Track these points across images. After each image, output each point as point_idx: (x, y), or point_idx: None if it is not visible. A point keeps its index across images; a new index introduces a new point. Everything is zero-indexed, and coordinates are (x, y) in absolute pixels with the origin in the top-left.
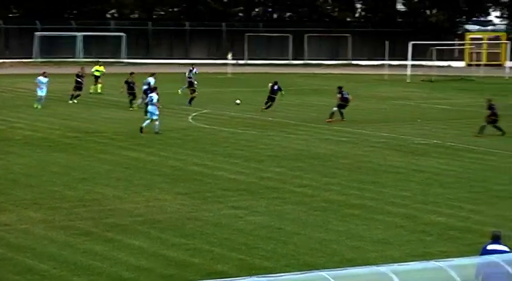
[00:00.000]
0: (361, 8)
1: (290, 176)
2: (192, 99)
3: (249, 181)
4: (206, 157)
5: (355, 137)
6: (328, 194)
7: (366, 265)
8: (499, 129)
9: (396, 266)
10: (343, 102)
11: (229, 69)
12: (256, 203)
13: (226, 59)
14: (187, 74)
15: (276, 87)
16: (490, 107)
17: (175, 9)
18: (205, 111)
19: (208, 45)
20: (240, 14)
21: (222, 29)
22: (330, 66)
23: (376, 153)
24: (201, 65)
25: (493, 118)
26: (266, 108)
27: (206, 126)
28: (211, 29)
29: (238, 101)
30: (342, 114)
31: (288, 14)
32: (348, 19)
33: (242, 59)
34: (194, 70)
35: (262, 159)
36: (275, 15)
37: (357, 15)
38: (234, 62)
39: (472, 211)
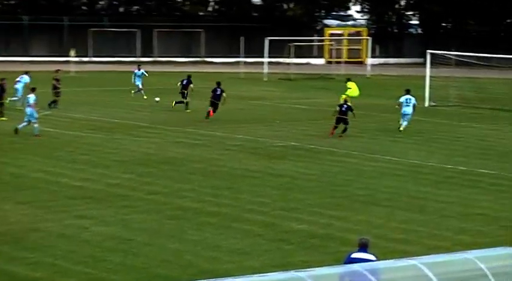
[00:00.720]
0: (214, 1)
1: (140, 182)
2: (54, 101)
3: (96, 188)
4: (49, 162)
5: (209, 140)
6: (181, 202)
7: (222, 276)
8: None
9: (255, 278)
10: (214, 100)
11: (72, 68)
12: (103, 212)
13: (68, 56)
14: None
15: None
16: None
17: (11, 2)
18: (47, 113)
19: (49, 42)
20: (84, 8)
21: (63, 23)
22: (181, 64)
23: (231, 156)
24: (41, 63)
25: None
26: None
27: (49, 129)
28: (52, 24)
29: (157, 99)
30: (213, 108)
31: (136, 7)
32: (200, 13)
33: (86, 56)
34: (141, 71)
35: (109, 164)
36: (121, 9)
37: (209, 9)
38: (77, 59)
39: (334, 217)
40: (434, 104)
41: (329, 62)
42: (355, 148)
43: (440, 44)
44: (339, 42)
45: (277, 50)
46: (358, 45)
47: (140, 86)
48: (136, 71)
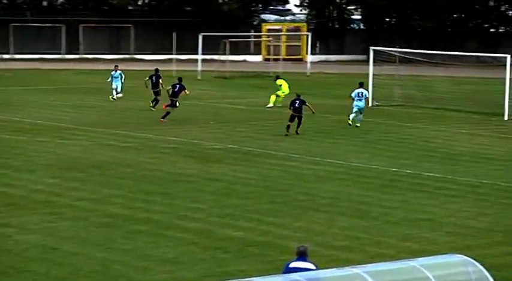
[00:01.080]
0: None
1: (66, 188)
2: None
3: (19, 194)
4: None
5: (140, 142)
6: (111, 208)
7: None
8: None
9: None
10: (171, 97)
11: None
12: (27, 220)
13: None
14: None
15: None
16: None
17: None
18: None
19: None
20: (4, 1)
21: None
22: (109, 61)
23: (164, 160)
24: None
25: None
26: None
27: None
28: None
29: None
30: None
31: (60, 1)
32: (130, 7)
33: (7, 54)
34: (118, 72)
35: (33, 169)
36: (45, 3)
37: (139, 3)
38: None
39: (273, 224)
40: (377, 103)
41: (267, 59)
42: (294, 151)
43: (383, 40)
44: (277, 38)
45: (211, 46)
46: (298, 42)
47: (118, 89)
48: (113, 72)
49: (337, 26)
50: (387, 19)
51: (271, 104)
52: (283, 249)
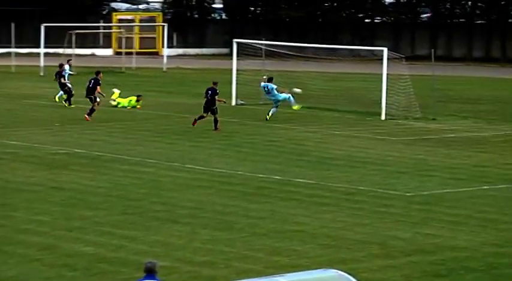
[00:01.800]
0: None
1: None
2: None
3: None
4: None
5: None
6: None
7: None
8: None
9: None
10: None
11: None
12: None
13: None
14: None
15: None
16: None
17: None
18: None
19: None
20: None
21: None
22: None
23: (2, 167)
24: None
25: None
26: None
27: None
28: None
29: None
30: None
31: None
32: None
33: None
34: (66, 67)
35: None
36: None
37: None
38: None
39: (127, 237)
40: (242, 102)
41: (118, 53)
42: (150, 155)
43: (248, 32)
44: (129, 29)
45: (55, 39)
46: (152, 33)
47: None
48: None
49: (196, 15)
50: (252, 8)
51: (114, 101)
52: (138, 266)
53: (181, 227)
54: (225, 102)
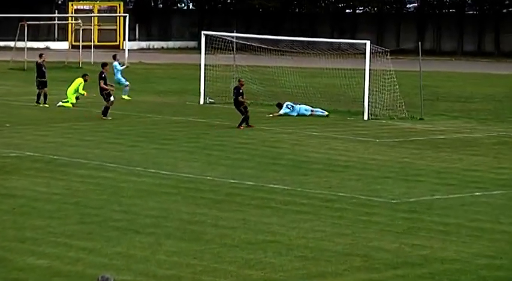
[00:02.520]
0: None
1: None
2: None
3: None
4: None
5: None
6: None
7: None
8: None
9: None
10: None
11: None
12: None
13: None
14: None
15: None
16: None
17: None
18: None
19: None
20: None
21: None
22: None
23: None
24: None
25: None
26: None
27: None
28: None
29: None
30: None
31: None
32: None
33: None
34: (115, 64)
35: None
36: None
37: None
38: None
39: (85, 249)
40: (211, 100)
41: (75, 47)
42: (110, 159)
43: (218, 23)
44: (87, 20)
45: (5, 31)
46: (113, 25)
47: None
48: (115, 63)
49: (160, 5)
50: None
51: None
52: (91, 279)
53: (144, 237)
54: (248, 104)
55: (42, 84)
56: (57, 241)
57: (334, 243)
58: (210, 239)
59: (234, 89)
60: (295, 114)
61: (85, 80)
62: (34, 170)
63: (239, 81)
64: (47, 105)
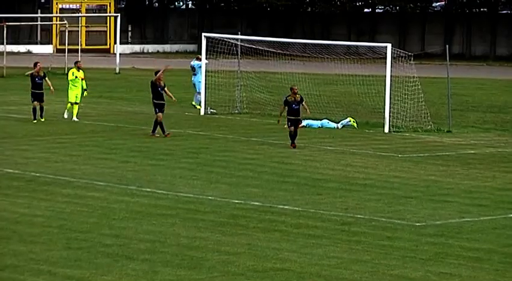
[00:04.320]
0: None
1: None
2: None
3: None
4: None
5: None
6: None
7: None
8: None
9: None
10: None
11: None
12: None
13: None
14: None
15: None
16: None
17: None
18: None
19: None
20: None
21: None
22: None
23: None
24: None
25: None
26: None
27: None
28: None
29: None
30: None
31: None
32: None
33: None
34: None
35: None
36: None
37: None
38: None
39: (71, 278)
40: (213, 111)
41: (60, 51)
42: (100, 176)
43: (220, 24)
44: (73, 21)
45: None
46: (102, 26)
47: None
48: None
49: (156, 4)
50: None
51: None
52: None
53: (138, 265)
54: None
55: (37, 97)
56: (40, 269)
57: (351, 271)
58: (211, 266)
59: (290, 101)
60: (318, 125)
61: (78, 68)
62: (14, 189)
63: (291, 89)
64: (42, 120)
